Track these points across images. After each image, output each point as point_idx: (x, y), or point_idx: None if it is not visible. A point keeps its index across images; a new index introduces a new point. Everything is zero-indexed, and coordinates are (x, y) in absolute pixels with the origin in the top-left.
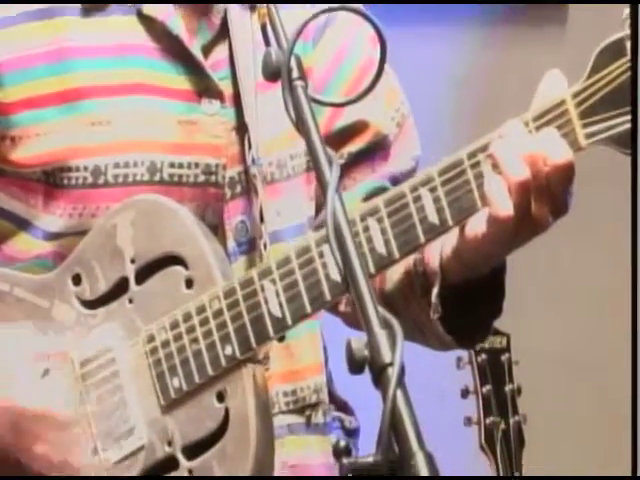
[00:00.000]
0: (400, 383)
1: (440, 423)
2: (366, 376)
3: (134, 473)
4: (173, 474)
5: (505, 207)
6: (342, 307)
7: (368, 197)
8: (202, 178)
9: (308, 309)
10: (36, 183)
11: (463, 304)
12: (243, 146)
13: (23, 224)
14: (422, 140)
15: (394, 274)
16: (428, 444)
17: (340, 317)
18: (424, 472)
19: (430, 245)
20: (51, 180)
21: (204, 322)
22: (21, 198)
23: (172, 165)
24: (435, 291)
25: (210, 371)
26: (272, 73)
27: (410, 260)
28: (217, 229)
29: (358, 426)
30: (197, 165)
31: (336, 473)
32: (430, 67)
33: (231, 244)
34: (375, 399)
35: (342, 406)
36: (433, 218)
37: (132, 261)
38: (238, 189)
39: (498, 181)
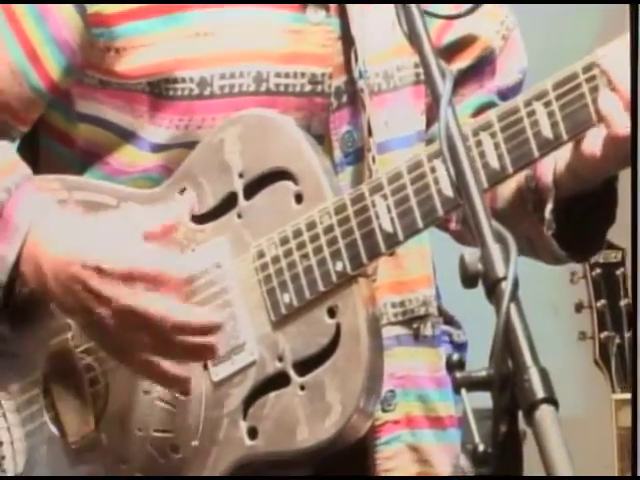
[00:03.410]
0: (514, 297)
1: (553, 338)
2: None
3: (244, 389)
4: (284, 390)
5: (624, 125)
6: (453, 225)
7: (476, 113)
8: (308, 88)
9: (420, 224)
10: (141, 94)
11: (576, 217)
12: (348, 56)
13: (129, 136)
14: None
15: (505, 191)
16: (541, 359)
17: (451, 235)
18: (538, 387)
19: (543, 161)
20: (156, 91)
21: (315, 238)
22: (126, 110)
23: (278, 75)
24: (549, 207)
25: (321, 287)
26: None
27: (522, 176)
28: (322, 139)
29: (466, 340)
30: (303, 75)
31: (444, 386)
32: None
33: (338, 154)
34: (481, 315)
35: (450, 320)
36: (547, 133)
37: (240, 176)
38: (344, 99)
39: (614, 99)
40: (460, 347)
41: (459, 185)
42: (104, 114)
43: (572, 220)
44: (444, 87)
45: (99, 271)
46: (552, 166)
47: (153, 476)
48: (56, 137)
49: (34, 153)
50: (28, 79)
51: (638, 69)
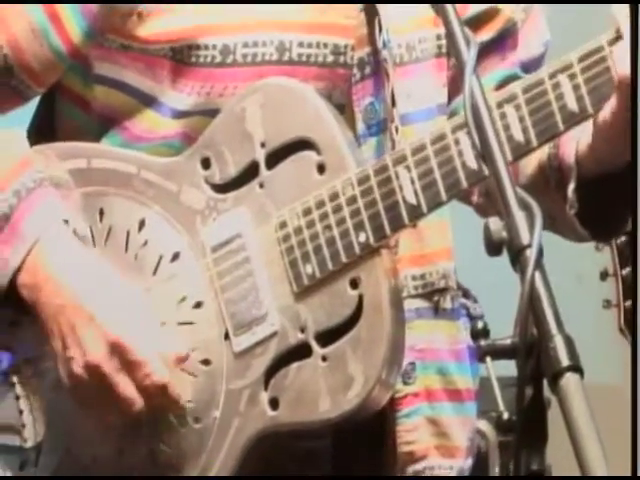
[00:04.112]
0: (538, 265)
1: (578, 306)
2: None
3: (266, 360)
4: (306, 361)
5: (626, 66)
6: (475, 198)
7: (499, 86)
8: (331, 58)
9: (444, 197)
10: (163, 59)
11: (599, 197)
12: (371, 27)
13: (149, 101)
14: None
15: (527, 168)
16: (566, 327)
17: (473, 208)
18: (563, 355)
19: (565, 140)
20: (178, 57)
21: (337, 209)
22: (147, 74)
23: (301, 45)
24: (571, 186)
25: (344, 258)
26: None
27: (544, 155)
28: (343, 109)
29: (482, 313)
30: (326, 45)
31: (462, 359)
32: None
33: (360, 126)
34: (495, 288)
35: (465, 293)
36: (572, 106)
37: (262, 145)
38: (367, 70)
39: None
40: (476, 320)
41: (484, 152)
42: (123, 77)
43: (595, 201)
44: (469, 55)
45: (90, 319)
46: (574, 146)
47: (154, 476)
48: (73, 100)
49: (51, 118)
50: (48, 39)
51: (638, 69)
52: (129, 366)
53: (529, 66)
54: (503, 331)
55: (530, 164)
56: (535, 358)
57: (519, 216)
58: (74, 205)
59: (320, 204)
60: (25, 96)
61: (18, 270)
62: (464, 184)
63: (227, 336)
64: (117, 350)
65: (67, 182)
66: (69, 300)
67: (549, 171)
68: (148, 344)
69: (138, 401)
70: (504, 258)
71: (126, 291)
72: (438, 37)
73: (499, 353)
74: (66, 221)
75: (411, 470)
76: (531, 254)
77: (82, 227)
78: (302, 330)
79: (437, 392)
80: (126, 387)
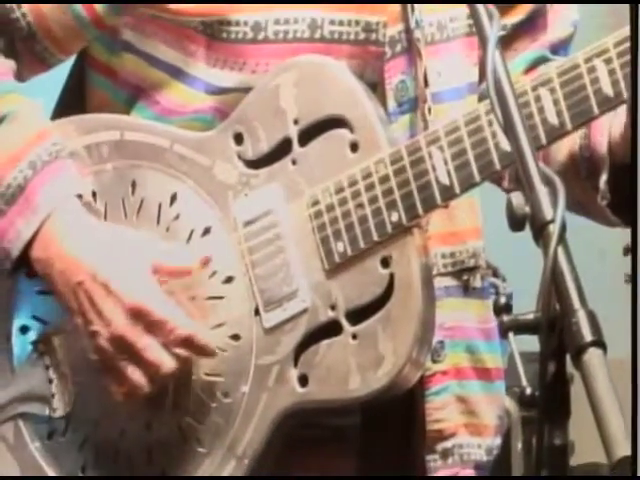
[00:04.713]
0: (561, 240)
1: (601, 281)
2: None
3: (296, 336)
4: (336, 339)
5: None
6: (506, 184)
7: (530, 68)
8: (362, 36)
9: (477, 178)
10: (194, 32)
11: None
12: (403, 5)
13: (181, 75)
14: None
15: (558, 155)
16: (589, 302)
17: (505, 192)
18: (586, 330)
19: (597, 130)
20: (209, 32)
21: (370, 187)
22: (178, 46)
23: (332, 22)
24: (604, 178)
25: (375, 237)
26: None
27: (575, 145)
28: (375, 87)
29: (511, 292)
30: (357, 23)
31: (492, 338)
32: None
33: (391, 104)
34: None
35: (495, 272)
36: (607, 90)
37: (295, 122)
38: (398, 48)
39: None
40: (499, 295)
41: (506, 127)
42: (153, 49)
43: (625, 190)
44: (491, 30)
45: (106, 290)
46: (606, 136)
47: (155, 476)
48: (101, 71)
49: (81, 88)
50: (72, 7)
51: (638, 69)
52: (152, 327)
53: (558, 47)
54: (526, 306)
55: (561, 152)
56: (558, 333)
57: (542, 191)
58: (89, 179)
59: (353, 182)
60: (48, 63)
61: (30, 243)
62: (497, 166)
63: (257, 312)
64: (137, 315)
65: (83, 157)
66: (84, 275)
67: (580, 161)
68: (166, 302)
69: (167, 361)
70: (526, 233)
71: (138, 255)
72: (469, 16)
73: (522, 328)
74: (80, 196)
75: (440, 447)
76: (554, 229)
77: (92, 200)
78: (333, 308)
79: (466, 370)
80: (153, 349)
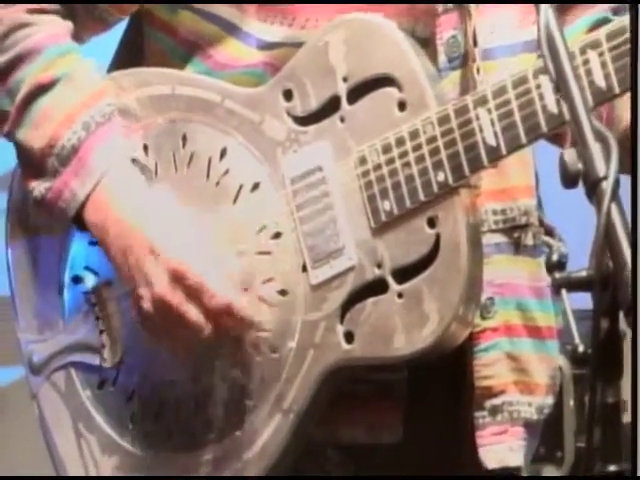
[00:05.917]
0: (615, 197)
1: None
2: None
3: (342, 294)
4: (382, 297)
5: None
6: (567, 146)
7: (591, 29)
8: None
9: (523, 140)
10: None
11: None
12: None
13: (233, 29)
14: None
15: (620, 125)
16: None
17: None
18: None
19: None
20: None
21: (417, 147)
22: (233, 4)
23: None
24: None
25: (422, 196)
26: None
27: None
28: (427, 43)
29: (567, 252)
30: None
31: (544, 296)
32: None
33: (442, 59)
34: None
35: (550, 232)
36: None
37: (344, 80)
38: (449, 4)
39: None
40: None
41: (559, 83)
42: (210, 6)
43: None
44: None
45: (151, 253)
46: None
47: (158, 476)
48: (159, 27)
49: (140, 40)
50: None
51: (638, 69)
52: (192, 291)
53: (620, 8)
54: (578, 263)
55: (622, 123)
56: (611, 290)
57: (595, 148)
58: (140, 133)
59: (400, 142)
60: (108, 22)
61: (83, 204)
62: (544, 128)
63: (304, 268)
64: (178, 277)
65: (135, 110)
66: (135, 239)
67: None
68: (209, 267)
69: (206, 326)
70: (579, 189)
71: (186, 219)
72: None
73: (575, 285)
74: (133, 160)
75: (489, 404)
76: (607, 186)
77: (146, 159)
78: (379, 266)
79: (517, 327)
80: (192, 313)
